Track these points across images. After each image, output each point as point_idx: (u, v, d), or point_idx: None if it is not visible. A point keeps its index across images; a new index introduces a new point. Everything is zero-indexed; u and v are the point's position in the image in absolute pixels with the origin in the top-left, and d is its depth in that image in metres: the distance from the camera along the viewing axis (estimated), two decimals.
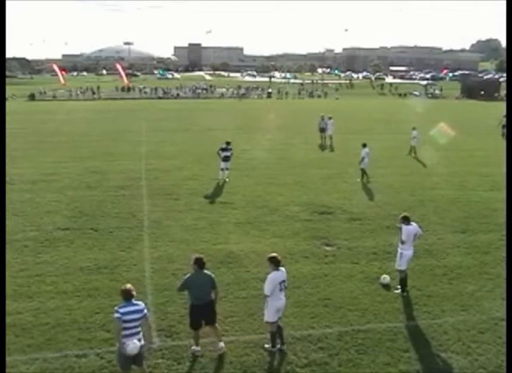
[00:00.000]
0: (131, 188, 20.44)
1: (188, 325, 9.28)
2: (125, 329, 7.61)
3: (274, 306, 9.06)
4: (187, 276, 8.97)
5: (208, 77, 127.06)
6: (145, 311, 7.80)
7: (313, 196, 19.48)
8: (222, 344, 9.23)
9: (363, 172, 21.84)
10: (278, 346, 9.32)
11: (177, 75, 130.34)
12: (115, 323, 7.72)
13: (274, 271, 9.03)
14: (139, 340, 7.73)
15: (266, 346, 9.35)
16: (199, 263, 8.93)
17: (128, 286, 7.87)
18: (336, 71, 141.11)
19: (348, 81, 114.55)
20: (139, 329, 7.75)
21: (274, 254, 9.25)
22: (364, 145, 22.03)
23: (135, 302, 7.76)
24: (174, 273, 12.49)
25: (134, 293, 7.79)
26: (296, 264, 12.81)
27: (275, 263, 9.06)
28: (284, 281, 9.10)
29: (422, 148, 29.31)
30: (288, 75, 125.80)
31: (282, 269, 9.15)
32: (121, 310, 7.60)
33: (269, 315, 9.14)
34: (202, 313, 8.98)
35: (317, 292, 11.62)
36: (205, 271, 8.99)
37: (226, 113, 52.10)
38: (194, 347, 9.23)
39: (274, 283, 8.95)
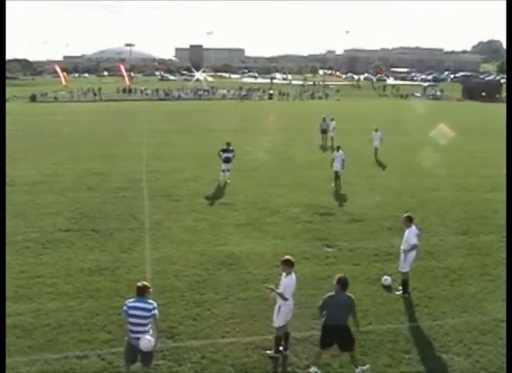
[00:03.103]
0: (131, 189, 20.45)
1: (318, 344, 8.92)
2: (130, 324, 7.71)
3: (288, 309, 8.99)
4: (327, 295, 8.61)
5: (209, 78, 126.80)
6: (154, 312, 7.78)
7: (314, 198, 19.47)
8: (358, 370, 8.80)
9: (336, 175, 21.22)
10: (281, 348, 9.27)
11: (200, 76, 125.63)
12: (122, 315, 7.94)
13: (289, 275, 8.93)
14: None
15: (268, 352, 9.24)
16: (341, 284, 8.48)
17: (144, 283, 7.99)
18: (337, 72, 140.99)
19: (355, 83, 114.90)
20: (146, 328, 7.77)
21: (288, 257, 9.12)
22: (338, 148, 21.77)
23: (146, 300, 7.81)
24: (175, 274, 12.49)
25: (148, 290, 7.89)
26: (296, 265, 12.60)
27: (291, 265, 8.97)
28: (295, 284, 9.05)
29: (423, 149, 29.36)
30: (289, 77, 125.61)
31: (293, 273, 9.08)
32: (129, 303, 7.77)
33: (281, 319, 9.04)
34: (335, 336, 8.57)
35: (318, 293, 11.52)
36: (347, 293, 8.58)
37: (227, 114, 52.10)
38: (313, 368, 8.80)
39: (294, 287, 8.89)
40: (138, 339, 7.72)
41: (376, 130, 28.01)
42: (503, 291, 11.41)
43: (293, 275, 8.99)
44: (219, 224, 16.39)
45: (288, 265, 8.99)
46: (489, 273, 12.85)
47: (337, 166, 21.09)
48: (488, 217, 17.32)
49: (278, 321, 9.08)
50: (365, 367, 8.81)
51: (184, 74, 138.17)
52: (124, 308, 7.80)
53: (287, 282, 8.85)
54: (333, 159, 21.33)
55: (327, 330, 8.61)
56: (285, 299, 8.87)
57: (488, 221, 17.00)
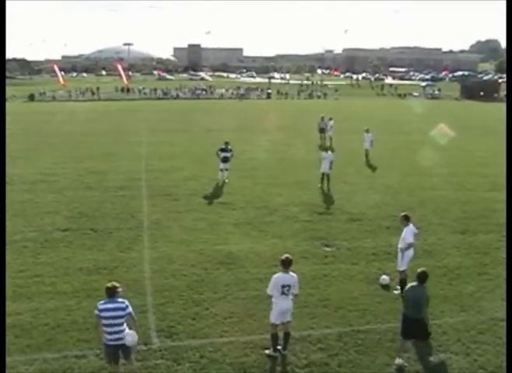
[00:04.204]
0: (130, 189, 20.44)
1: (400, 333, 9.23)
2: (105, 325, 7.80)
3: (276, 309, 9.03)
4: (409, 285, 9.02)
5: (208, 78, 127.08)
6: (129, 310, 7.89)
7: (312, 197, 19.49)
8: (401, 361, 9.05)
9: (327, 177, 20.90)
10: (279, 347, 9.29)
11: (207, 77, 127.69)
12: (95, 319, 7.97)
13: (280, 272, 8.98)
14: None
15: (267, 351, 9.28)
16: (420, 278, 8.84)
17: (112, 283, 8.03)
18: (336, 72, 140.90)
19: (355, 81, 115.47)
20: (122, 327, 7.86)
21: (285, 255, 9.16)
22: (327, 149, 21.58)
23: (118, 300, 7.89)
24: (174, 273, 12.50)
25: (118, 290, 7.94)
26: (295, 265, 12.63)
27: (283, 264, 8.99)
28: (288, 286, 8.92)
29: (421, 149, 29.37)
30: (287, 76, 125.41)
31: (292, 273, 9.05)
32: (100, 306, 7.83)
33: (272, 317, 9.12)
34: (412, 327, 8.88)
35: (316, 293, 11.62)
36: (425, 287, 8.91)
37: (226, 113, 52.06)
38: (398, 360, 9.09)
39: (276, 284, 8.90)
40: (118, 339, 7.83)
41: (367, 131, 27.37)
42: (502, 290, 11.43)
43: (283, 274, 8.97)
44: (217, 223, 16.39)
45: (282, 264, 9.03)
46: (487, 272, 12.87)
47: (325, 167, 20.75)
48: (487, 217, 17.34)
49: (270, 317, 9.19)
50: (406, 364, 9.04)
51: (189, 73, 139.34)
52: (96, 312, 7.84)
53: (272, 277, 8.99)
54: (321, 160, 20.98)
55: (405, 321, 8.93)
56: (270, 296, 9.05)
57: (487, 220, 17.02)
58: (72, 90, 78.03)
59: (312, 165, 25.43)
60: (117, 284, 8.04)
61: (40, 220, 16.44)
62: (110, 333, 7.82)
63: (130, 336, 7.84)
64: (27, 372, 8.71)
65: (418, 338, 9.12)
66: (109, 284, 8.00)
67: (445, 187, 21.38)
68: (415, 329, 8.85)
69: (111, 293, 7.89)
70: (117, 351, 7.98)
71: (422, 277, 8.81)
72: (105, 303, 7.84)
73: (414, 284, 8.92)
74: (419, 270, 8.94)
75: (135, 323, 8.12)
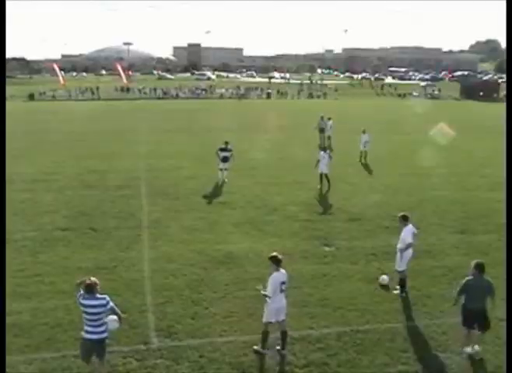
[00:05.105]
0: (130, 188, 20.44)
1: (461, 324, 9.37)
2: (88, 320, 7.87)
3: (273, 307, 9.03)
4: (466, 279, 9.18)
5: (214, 77, 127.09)
6: (109, 306, 7.95)
7: (312, 196, 19.50)
8: (473, 349, 9.27)
9: (326, 177, 20.70)
10: (278, 347, 9.28)
11: (213, 76, 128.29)
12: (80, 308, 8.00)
13: (275, 271, 9.00)
14: (103, 332, 7.94)
15: (255, 347, 9.27)
16: (480, 268, 9.12)
17: (92, 279, 8.01)
18: (335, 72, 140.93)
19: (360, 81, 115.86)
20: (101, 321, 7.91)
21: (274, 253, 9.22)
22: (324, 149, 21.60)
23: (98, 296, 7.91)
24: (173, 273, 12.49)
25: (96, 286, 7.94)
26: (295, 264, 12.75)
27: (275, 262, 9.03)
28: (284, 283, 9.04)
29: (421, 149, 29.35)
30: (287, 76, 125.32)
31: (283, 270, 9.11)
32: (84, 301, 7.87)
33: (267, 316, 9.12)
34: (476, 318, 9.12)
35: (315, 292, 11.62)
36: (486, 277, 9.12)
37: (226, 113, 52.04)
38: (467, 348, 9.32)
39: (276, 284, 8.92)
40: (100, 332, 7.90)
41: (364, 132, 26.98)
42: (501, 290, 11.40)
43: (278, 272, 9.00)
44: (217, 222, 16.39)
45: (272, 261, 9.07)
46: (487, 272, 12.81)
47: (323, 168, 20.57)
48: (486, 217, 17.33)
49: (266, 316, 9.19)
50: (478, 349, 9.27)
51: (194, 72, 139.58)
52: (79, 299, 7.91)
53: (269, 279, 8.98)
54: (318, 160, 20.74)
55: (468, 313, 9.13)
56: (267, 297, 9.00)
57: (486, 220, 17.01)
58: (72, 89, 77.96)
59: (312, 165, 25.40)
60: (97, 281, 8.05)
61: (39, 219, 16.43)
62: (92, 326, 7.85)
63: (113, 321, 7.92)
64: (26, 371, 8.71)
65: (479, 328, 9.20)
66: (88, 280, 7.96)
67: (445, 187, 21.37)
68: (476, 319, 9.07)
69: (91, 289, 7.88)
70: (93, 346, 7.96)
71: (482, 268, 9.09)
72: (88, 299, 7.84)
73: (471, 277, 9.16)
74: (476, 261, 9.22)
75: (117, 311, 8.13)
